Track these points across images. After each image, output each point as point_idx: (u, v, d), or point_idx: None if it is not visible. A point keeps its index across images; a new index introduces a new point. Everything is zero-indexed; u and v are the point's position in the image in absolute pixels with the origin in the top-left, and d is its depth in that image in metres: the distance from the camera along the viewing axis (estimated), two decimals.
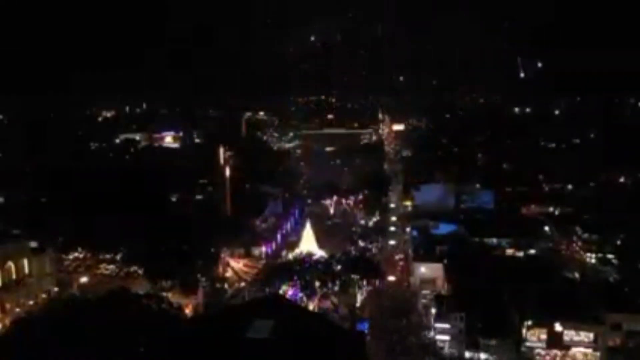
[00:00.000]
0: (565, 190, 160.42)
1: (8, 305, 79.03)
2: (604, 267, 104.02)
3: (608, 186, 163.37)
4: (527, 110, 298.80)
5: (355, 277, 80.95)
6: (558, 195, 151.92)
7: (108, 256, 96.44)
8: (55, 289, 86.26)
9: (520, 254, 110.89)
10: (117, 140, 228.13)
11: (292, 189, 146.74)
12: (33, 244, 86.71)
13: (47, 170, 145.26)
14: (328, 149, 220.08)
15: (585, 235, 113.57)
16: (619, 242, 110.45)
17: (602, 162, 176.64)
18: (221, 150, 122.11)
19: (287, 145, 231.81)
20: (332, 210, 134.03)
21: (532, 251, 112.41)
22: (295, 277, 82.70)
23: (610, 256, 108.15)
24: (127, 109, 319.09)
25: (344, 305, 79.54)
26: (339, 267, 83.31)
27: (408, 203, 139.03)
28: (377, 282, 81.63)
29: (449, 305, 78.92)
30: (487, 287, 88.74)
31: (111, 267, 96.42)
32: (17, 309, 78.58)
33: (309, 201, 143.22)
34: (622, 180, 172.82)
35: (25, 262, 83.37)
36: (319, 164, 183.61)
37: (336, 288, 79.89)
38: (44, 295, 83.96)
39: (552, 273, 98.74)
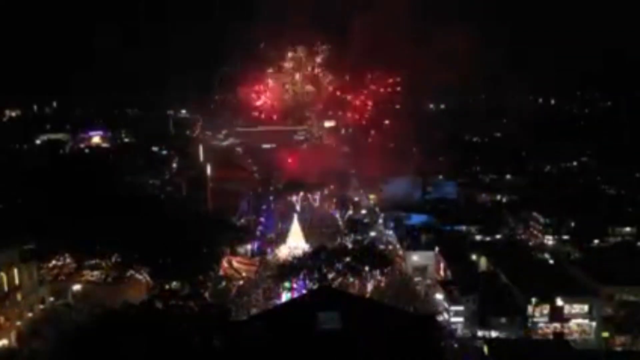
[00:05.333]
0: (503, 180, 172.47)
1: (2, 319, 72.29)
2: (564, 248, 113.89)
3: (537, 175, 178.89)
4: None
5: (366, 267, 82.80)
6: (500, 185, 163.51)
7: (93, 262, 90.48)
8: (51, 298, 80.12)
9: (488, 239, 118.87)
10: (38, 142, 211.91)
11: (252, 186, 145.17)
12: None
13: None
14: (266, 145, 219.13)
15: (543, 220, 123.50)
16: (573, 224, 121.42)
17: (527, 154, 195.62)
18: (201, 148, 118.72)
19: (224, 143, 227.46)
20: (298, 207, 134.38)
21: (498, 236, 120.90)
22: (305, 271, 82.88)
23: (565, 237, 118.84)
24: (35, 108, 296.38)
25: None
26: (347, 258, 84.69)
27: (372, 196, 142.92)
28: (386, 271, 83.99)
29: (459, 289, 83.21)
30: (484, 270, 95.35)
31: (96, 273, 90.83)
32: (19, 323, 72.25)
33: (271, 198, 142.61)
34: (547, 169, 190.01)
35: (16, 271, 76.52)
36: (264, 161, 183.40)
37: (352, 279, 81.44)
38: (41, 306, 77.72)
39: (528, 254, 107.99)
